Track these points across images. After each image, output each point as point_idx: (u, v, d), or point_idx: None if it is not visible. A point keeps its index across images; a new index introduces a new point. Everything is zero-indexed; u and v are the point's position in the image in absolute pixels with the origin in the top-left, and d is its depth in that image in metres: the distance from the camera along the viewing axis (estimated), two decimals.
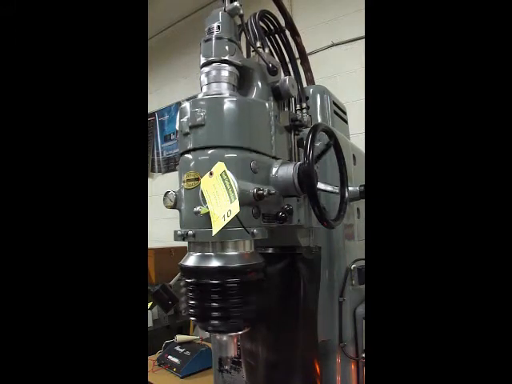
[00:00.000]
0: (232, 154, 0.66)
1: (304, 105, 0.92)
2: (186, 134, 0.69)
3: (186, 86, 3.24)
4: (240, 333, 0.69)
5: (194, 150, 0.68)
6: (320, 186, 0.77)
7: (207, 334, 2.25)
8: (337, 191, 0.82)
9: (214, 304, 0.64)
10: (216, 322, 0.66)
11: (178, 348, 1.92)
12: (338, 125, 1.06)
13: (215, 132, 0.67)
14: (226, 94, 0.71)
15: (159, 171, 3.54)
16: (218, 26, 0.74)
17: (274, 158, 0.75)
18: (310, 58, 1.18)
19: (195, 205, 0.64)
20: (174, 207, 0.70)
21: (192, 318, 0.68)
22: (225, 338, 0.70)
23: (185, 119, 0.70)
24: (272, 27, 0.96)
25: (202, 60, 0.74)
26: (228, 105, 0.68)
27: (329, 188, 0.82)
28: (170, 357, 1.87)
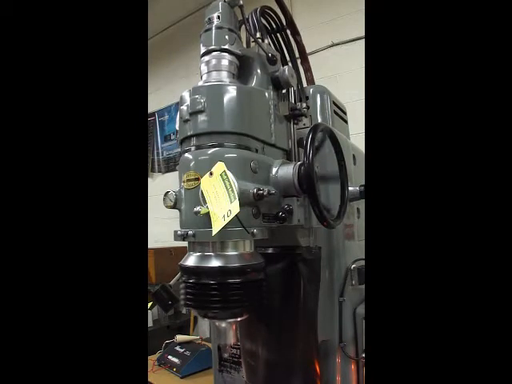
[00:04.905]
0: (232, 154, 0.66)
1: (304, 105, 0.92)
2: (186, 121, 0.69)
3: (185, 86, 3.22)
4: (239, 319, 0.68)
5: (195, 136, 0.68)
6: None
7: (207, 334, 2.25)
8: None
9: (213, 291, 0.64)
10: (214, 308, 0.65)
11: (177, 348, 1.92)
12: (337, 125, 1.06)
13: (215, 118, 0.68)
14: (226, 81, 0.71)
15: (159, 171, 3.53)
16: (218, 16, 0.74)
17: (274, 146, 0.75)
18: (310, 57, 1.17)
19: (195, 205, 0.64)
20: (173, 207, 0.70)
21: (191, 308, 0.67)
22: (224, 324, 0.70)
23: (184, 106, 0.70)
24: (274, 25, 0.96)
25: (202, 49, 0.75)
26: (228, 92, 0.68)
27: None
28: (170, 357, 1.87)
